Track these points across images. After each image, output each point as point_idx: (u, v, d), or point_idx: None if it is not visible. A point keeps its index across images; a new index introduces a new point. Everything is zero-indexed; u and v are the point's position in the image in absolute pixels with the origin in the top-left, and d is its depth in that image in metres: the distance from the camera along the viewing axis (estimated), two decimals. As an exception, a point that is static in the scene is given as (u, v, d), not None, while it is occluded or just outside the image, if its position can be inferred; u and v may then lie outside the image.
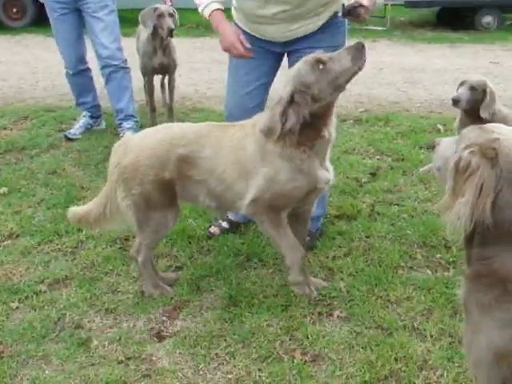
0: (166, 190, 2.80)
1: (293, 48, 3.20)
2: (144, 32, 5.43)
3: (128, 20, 7.67)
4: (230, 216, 3.62)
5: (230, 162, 2.78)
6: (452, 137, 1.96)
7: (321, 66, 2.60)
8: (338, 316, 2.85)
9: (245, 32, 3.20)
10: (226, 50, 3.10)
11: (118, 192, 2.85)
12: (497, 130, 1.70)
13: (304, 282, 2.96)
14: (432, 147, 2.01)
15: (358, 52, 2.64)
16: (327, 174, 2.84)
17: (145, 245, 2.94)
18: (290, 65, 3.18)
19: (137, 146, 2.80)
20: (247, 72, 3.26)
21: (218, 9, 3.08)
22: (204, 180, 2.81)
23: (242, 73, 3.30)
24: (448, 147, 1.88)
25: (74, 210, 3.12)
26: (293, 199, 2.83)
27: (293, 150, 2.70)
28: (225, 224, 3.61)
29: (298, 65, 2.65)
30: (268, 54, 3.25)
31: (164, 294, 2.99)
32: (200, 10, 3.11)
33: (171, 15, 5.26)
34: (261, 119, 2.72)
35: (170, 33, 5.24)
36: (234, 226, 3.62)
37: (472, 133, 1.74)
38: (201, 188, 2.84)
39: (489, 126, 1.76)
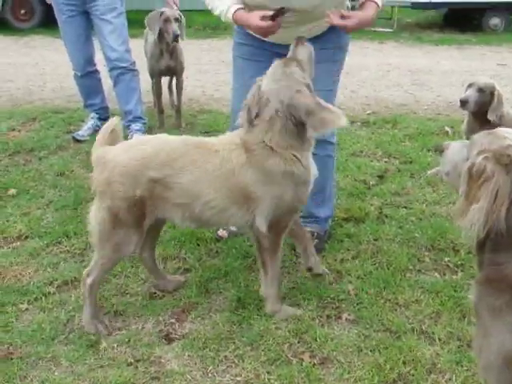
0: (136, 208, 2.66)
1: None
2: (151, 35, 5.45)
3: (135, 21, 7.68)
4: None
5: (222, 189, 2.67)
6: (461, 141, 1.96)
7: None
8: (346, 319, 2.85)
9: (250, 35, 3.21)
10: (263, 36, 3.07)
11: (92, 207, 2.78)
12: (509, 135, 1.70)
13: (281, 308, 2.91)
14: (440, 151, 2.01)
15: None
16: (314, 170, 2.86)
17: (101, 264, 2.78)
18: None
19: (110, 161, 2.67)
20: (252, 75, 3.19)
21: (238, 8, 3.04)
22: (185, 204, 2.68)
23: (248, 76, 3.26)
24: (457, 152, 1.88)
25: None
26: (297, 212, 2.88)
27: (292, 163, 2.70)
28: (233, 227, 3.61)
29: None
30: (274, 56, 3.24)
31: (99, 331, 2.78)
32: (222, 18, 3.08)
33: (177, 20, 5.26)
34: (249, 135, 2.71)
35: (176, 38, 5.25)
36: None
37: (484, 138, 1.74)
38: (179, 211, 2.71)
39: (500, 131, 1.76)
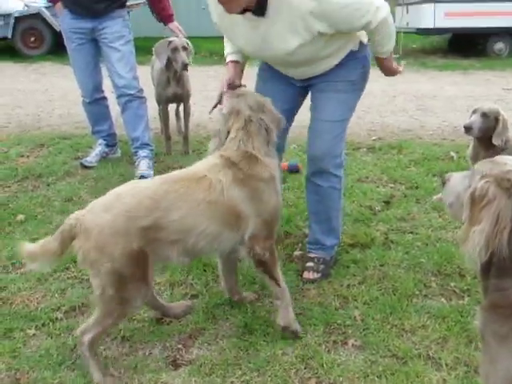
0: (139, 260, 2.54)
1: (311, 82, 3.29)
2: (158, 62, 5.51)
3: (142, 48, 7.75)
4: None
5: (214, 214, 2.64)
6: (462, 172, 1.97)
7: None
8: (352, 344, 2.85)
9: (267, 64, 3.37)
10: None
11: (90, 274, 2.61)
12: (509, 162, 1.72)
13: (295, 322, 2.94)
14: (442, 183, 2.03)
15: None
16: None
17: (104, 324, 2.61)
18: (311, 97, 3.36)
19: (95, 226, 2.49)
20: (272, 96, 3.17)
21: (232, 61, 3.28)
22: (180, 239, 2.61)
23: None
24: (459, 182, 1.90)
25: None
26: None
27: (273, 167, 2.84)
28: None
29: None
30: (291, 81, 3.33)
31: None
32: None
33: (185, 49, 5.33)
34: (229, 151, 2.80)
35: (185, 67, 5.30)
36: None
37: (485, 166, 1.77)
38: (174, 248, 2.63)
39: (501, 158, 1.79)
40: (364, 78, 3.32)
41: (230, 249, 2.82)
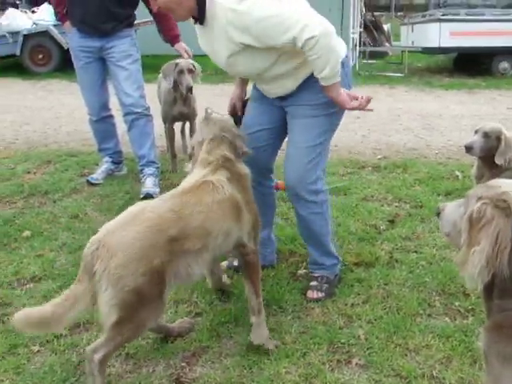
0: (158, 279, 2.55)
1: (283, 104, 3.30)
2: (164, 81, 5.56)
3: (150, 66, 7.82)
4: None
5: (224, 214, 2.79)
6: (455, 201, 1.99)
7: None
8: (356, 363, 2.84)
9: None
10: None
11: (103, 295, 2.50)
12: (503, 184, 1.74)
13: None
14: (437, 214, 2.04)
15: None
16: None
17: (115, 343, 2.58)
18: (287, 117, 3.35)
19: (121, 244, 2.49)
20: (252, 116, 3.43)
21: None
22: (203, 246, 2.70)
23: (248, 117, 3.46)
24: (454, 210, 1.92)
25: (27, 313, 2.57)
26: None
27: (246, 167, 3.08)
28: (236, 262, 3.68)
29: None
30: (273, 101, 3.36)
31: None
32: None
33: (191, 71, 5.37)
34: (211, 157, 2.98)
35: (189, 90, 5.36)
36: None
37: (479, 190, 1.79)
38: (198, 258, 2.70)
39: (494, 181, 1.82)
40: (325, 100, 3.13)
41: (233, 245, 2.93)
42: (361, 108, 3.12)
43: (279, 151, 3.55)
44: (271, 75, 3.10)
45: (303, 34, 2.78)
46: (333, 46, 2.90)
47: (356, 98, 3.10)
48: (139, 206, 2.72)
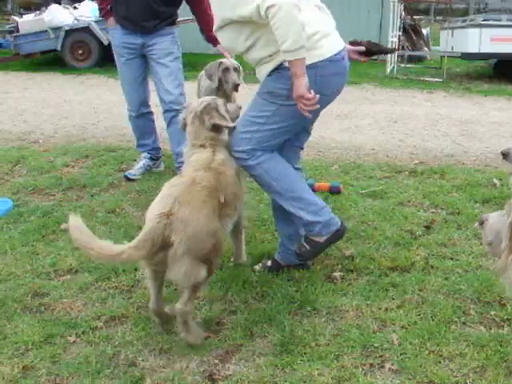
0: (220, 235, 3.07)
1: None
2: (205, 80, 5.57)
3: (187, 64, 7.85)
4: (276, 257, 3.74)
5: (240, 181, 3.40)
6: (498, 211, 1.97)
7: None
8: (389, 368, 2.83)
9: None
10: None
11: (181, 261, 2.83)
12: None
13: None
14: (480, 224, 2.03)
15: None
16: None
17: (195, 296, 3.06)
18: None
19: (192, 214, 2.86)
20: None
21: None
22: (235, 209, 3.27)
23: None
24: (497, 220, 1.91)
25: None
26: None
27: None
28: (269, 263, 3.73)
29: None
30: None
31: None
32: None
33: (236, 70, 5.38)
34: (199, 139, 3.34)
35: (236, 88, 5.35)
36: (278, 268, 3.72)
37: None
38: (231, 220, 3.27)
39: None
40: (286, 95, 3.22)
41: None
42: (308, 105, 3.13)
43: (302, 152, 3.82)
44: (250, 58, 3.36)
45: (265, 1, 2.94)
46: (294, 18, 2.99)
47: (314, 100, 3.11)
48: (184, 178, 3.12)
